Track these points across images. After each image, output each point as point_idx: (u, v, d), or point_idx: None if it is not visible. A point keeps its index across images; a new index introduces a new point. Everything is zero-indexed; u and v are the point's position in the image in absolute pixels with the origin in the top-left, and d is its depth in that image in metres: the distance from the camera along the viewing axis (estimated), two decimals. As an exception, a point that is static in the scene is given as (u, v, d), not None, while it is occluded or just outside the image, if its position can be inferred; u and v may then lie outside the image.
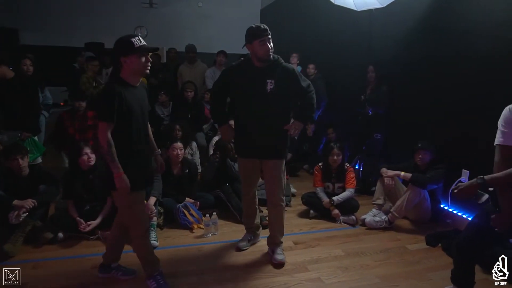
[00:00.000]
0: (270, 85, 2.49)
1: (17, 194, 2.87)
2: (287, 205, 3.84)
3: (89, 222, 2.97)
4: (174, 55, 6.51)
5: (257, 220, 2.97)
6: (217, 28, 8.60)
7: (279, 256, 2.69)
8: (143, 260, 2.29)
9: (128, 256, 2.52)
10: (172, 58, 6.52)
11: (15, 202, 2.77)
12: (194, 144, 4.52)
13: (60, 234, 2.95)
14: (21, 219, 2.76)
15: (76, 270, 2.57)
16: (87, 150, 3.09)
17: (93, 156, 3.11)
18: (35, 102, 3.62)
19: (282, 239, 2.79)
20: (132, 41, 2.06)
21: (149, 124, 2.31)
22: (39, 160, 3.60)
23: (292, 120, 2.66)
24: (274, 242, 2.77)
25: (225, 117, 2.73)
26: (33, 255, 2.75)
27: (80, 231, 2.96)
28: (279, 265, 2.65)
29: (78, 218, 2.97)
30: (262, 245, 2.94)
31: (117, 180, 2.01)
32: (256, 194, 2.94)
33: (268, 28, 2.47)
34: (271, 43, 2.46)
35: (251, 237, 2.96)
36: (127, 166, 2.05)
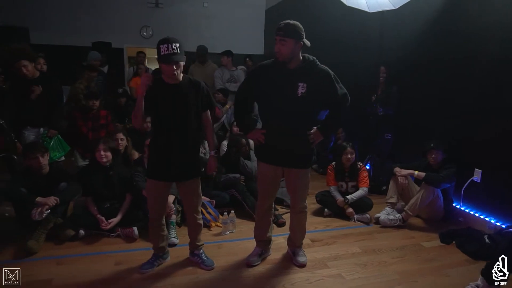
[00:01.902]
0: (301, 88, 2.32)
1: (36, 192, 2.89)
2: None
3: (109, 220, 3.01)
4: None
5: (269, 234, 2.78)
6: (222, 28, 8.64)
7: (301, 258, 2.69)
8: None
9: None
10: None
11: (39, 199, 2.80)
12: (206, 144, 4.56)
13: (82, 231, 2.99)
14: (44, 216, 2.79)
15: (99, 266, 2.60)
16: (101, 147, 3.13)
17: (106, 154, 3.14)
18: (60, 100, 3.65)
19: (303, 242, 2.79)
20: (160, 48, 2.16)
21: (209, 127, 2.51)
22: (63, 158, 3.63)
23: (314, 128, 2.47)
24: (295, 245, 2.76)
25: (251, 125, 2.67)
26: (56, 252, 2.79)
27: (100, 229, 3.00)
28: (301, 267, 2.66)
29: (99, 216, 3.01)
30: (280, 242, 2.99)
31: None
32: (272, 206, 2.80)
33: (286, 28, 2.26)
34: (285, 45, 2.26)
35: (262, 251, 2.76)
36: (150, 152, 2.43)
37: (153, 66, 9.26)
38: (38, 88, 3.33)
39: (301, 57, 2.37)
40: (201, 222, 2.64)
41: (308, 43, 2.32)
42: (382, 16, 4.26)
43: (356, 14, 4.24)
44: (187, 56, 7.03)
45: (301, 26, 2.31)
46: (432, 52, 3.86)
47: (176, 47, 2.17)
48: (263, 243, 2.76)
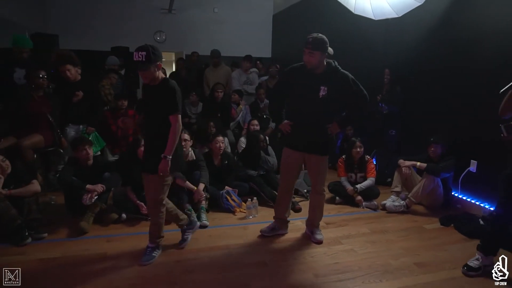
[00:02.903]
0: (323, 91, 2.72)
1: (83, 180, 3.29)
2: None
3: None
4: (196, 58, 6.98)
5: (286, 215, 3.15)
6: (232, 32, 9.05)
7: (318, 236, 3.09)
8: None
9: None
10: (194, 61, 6.98)
11: (88, 186, 3.21)
12: (226, 139, 4.96)
13: (124, 215, 3.39)
14: (93, 201, 3.20)
15: (143, 244, 2.96)
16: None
17: None
18: (99, 101, 4.05)
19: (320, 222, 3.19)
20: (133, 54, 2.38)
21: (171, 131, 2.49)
22: (98, 153, 4.03)
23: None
24: (313, 224, 3.16)
25: (282, 116, 3.02)
26: (104, 232, 3.19)
27: (139, 213, 3.40)
28: (318, 243, 3.06)
29: (138, 202, 3.40)
30: (299, 225, 3.39)
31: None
32: (292, 190, 3.15)
33: (314, 43, 2.65)
34: (313, 57, 2.66)
35: (276, 227, 3.16)
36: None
37: (167, 68, 9.68)
38: (80, 93, 3.74)
39: (325, 63, 2.79)
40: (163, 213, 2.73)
41: (331, 51, 2.76)
42: (387, 23, 4.65)
43: (362, 21, 4.63)
44: (201, 60, 7.46)
45: (326, 40, 2.71)
46: (432, 56, 4.26)
47: (142, 56, 2.32)
48: (279, 221, 3.18)
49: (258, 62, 7.78)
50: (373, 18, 4.34)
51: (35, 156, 3.61)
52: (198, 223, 3.16)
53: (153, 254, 2.72)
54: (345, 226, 3.44)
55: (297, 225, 3.41)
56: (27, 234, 2.93)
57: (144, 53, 2.32)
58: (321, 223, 3.42)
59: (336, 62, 2.87)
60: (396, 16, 4.17)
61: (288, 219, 3.23)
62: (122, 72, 6.39)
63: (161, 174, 2.51)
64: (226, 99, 5.48)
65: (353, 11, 4.39)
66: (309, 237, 3.15)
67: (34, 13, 6.76)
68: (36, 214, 3.07)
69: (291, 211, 3.66)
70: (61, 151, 3.82)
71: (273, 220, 3.22)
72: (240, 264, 2.70)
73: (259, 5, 9.32)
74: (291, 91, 2.88)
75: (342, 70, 2.83)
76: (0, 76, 3.92)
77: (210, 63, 6.35)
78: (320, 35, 2.73)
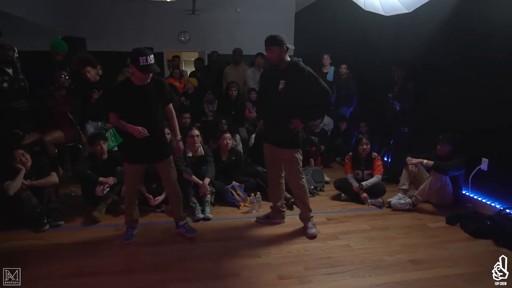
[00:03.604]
0: (281, 85, 2.93)
1: (98, 174, 3.54)
2: (320, 190, 4.34)
3: (156, 198, 3.61)
4: (216, 57, 7.15)
5: (280, 204, 3.35)
6: (254, 31, 9.11)
7: (310, 230, 3.16)
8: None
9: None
10: (214, 60, 7.16)
11: (101, 179, 3.46)
12: (237, 136, 5.10)
13: (134, 207, 3.61)
14: (104, 192, 3.44)
15: (150, 233, 3.19)
16: None
17: None
18: None
19: (311, 215, 3.25)
20: (139, 58, 2.54)
21: (173, 117, 2.96)
22: (116, 148, 4.29)
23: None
24: (303, 218, 3.26)
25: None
26: (114, 222, 3.42)
27: (148, 205, 3.61)
28: (311, 238, 3.12)
29: (147, 194, 3.61)
30: (295, 217, 3.42)
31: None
32: (281, 182, 3.31)
33: (270, 40, 2.87)
34: (273, 52, 2.87)
35: (271, 215, 3.41)
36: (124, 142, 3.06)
37: (190, 68, 9.97)
38: (97, 93, 4.02)
39: (288, 60, 2.97)
40: (180, 195, 3.09)
41: (292, 47, 2.96)
42: (398, 18, 4.58)
43: (377, 17, 4.55)
44: (222, 59, 7.61)
45: (281, 35, 2.91)
46: (444, 51, 4.16)
47: (152, 58, 2.59)
48: (274, 210, 3.39)
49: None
50: (383, 14, 4.30)
51: (56, 151, 3.91)
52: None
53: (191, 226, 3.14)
54: (346, 222, 3.46)
55: (297, 220, 3.45)
56: (45, 221, 3.21)
57: (152, 55, 2.60)
58: (323, 218, 3.49)
59: (299, 59, 3.02)
60: (407, 11, 4.10)
61: (282, 209, 3.40)
62: None
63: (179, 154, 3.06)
64: (240, 98, 5.59)
65: (363, 8, 4.37)
66: (304, 232, 3.23)
67: (64, 17, 7.22)
68: (54, 204, 3.35)
69: (295, 207, 3.77)
70: (80, 146, 4.11)
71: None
72: (234, 255, 2.82)
73: (281, 4, 9.34)
74: (261, 88, 3.20)
75: (301, 65, 2.97)
76: (39, 77, 4.26)
77: (231, 61, 6.51)
78: (276, 33, 2.93)
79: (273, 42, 2.89)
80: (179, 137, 3.02)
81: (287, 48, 2.93)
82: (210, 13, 9.12)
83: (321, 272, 2.58)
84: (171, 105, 2.96)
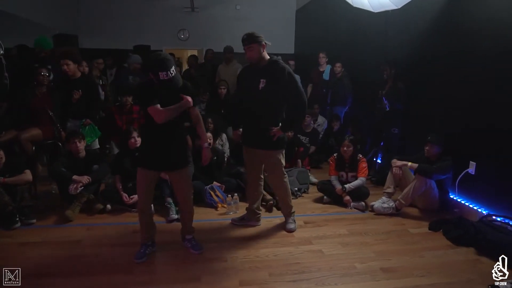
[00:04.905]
0: (262, 83, 2.85)
1: (75, 172, 3.49)
2: (304, 191, 4.22)
3: (131, 196, 3.55)
4: (211, 55, 7.07)
5: (255, 206, 3.25)
6: (254, 29, 8.86)
7: (288, 226, 3.20)
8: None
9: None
10: (209, 58, 7.08)
11: (75, 177, 3.41)
12: (224, 136, 5.01)
13: (109, 206, 3.57)
14: (78, 191, 3.40)
15: (120, 233, 3.14)
16: (135, 134, 3.70)
17: (139, 140, 3.69)
18: (97, 97, 4.27)
19: (293, 210, 3.27)
20: (158, 74, 2.31)
21: (199, 122, 2.70)
22: (97, 145, 4.25)
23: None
24: (285, 214, 3.27)
25: (237, 122, 3.18)
26: (87, 221, 3.38)
27: (124, 204, 3.56)
28: (289, 232, 3.16)
29: (122, 193, 3.56)
30: (276, 223, 3.35)
31: None
32: (259, 183, 3.22)
33: (249, 38, 2.80)
34: (253, 50, 2.80)
35: (246, 217, 3.30)
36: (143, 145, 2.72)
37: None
38: (78, 92, 3.93)
39: (267, 58, 2.89)
40: (192, 211, 2.84)
41: (269, 43, 2.86)
42: (387, 16, 4.43)
43: (368, 15, 4.39)
44: (216, 56, 7.52)
45: (258, 33, 2.84)
46: (433, 50, 4.00)
47: (173, 71, 2.33)
48: (249, 211, 3.30)
49: (279, 57, 7.72)
50: (371, 10, 4.15)
51: (33, 148, 3.89)
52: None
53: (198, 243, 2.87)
54: (323, 226, 3.34)
55: (275, 223, 3.37)
56: (17, 219, 3.19)
57: (173, 67, 2.34)
58: (300, 222, 3.40)
59: (279, 57, 2.95)
60: (395, 7, 3.94)
61: (258, 211, 3.31)
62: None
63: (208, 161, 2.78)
64: (230, 96, 5.50)
65: (352, 4, 4.23)
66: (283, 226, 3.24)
67: (58, 14, 7.22)
68: (27, 202, 3.33)
69: (274, 209, 3.68)
70: (60, 144, 4.08)
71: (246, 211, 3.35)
72: (201, 259, 2.74)
73: (281, 1, 9.23)
74: (241, 88, 3.08)
75: (282, 63, 2.91)
76: (24, 73, 4.25)
77: (223, 59, 6.42)
78: (252, 30, 2.87)
79: (252, 39, 2.82)
80: (206, 144, 2.74)
81: (265, 44, 2.87)
82: (210, 10, 9.07)
83: (285, 279, 2.48)
84: (196, 110, 2.70)
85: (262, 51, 2.85)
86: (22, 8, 5.51)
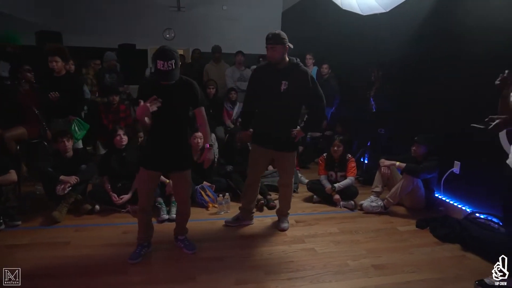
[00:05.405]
0: (284, 85, 2.82)
1: (62, 172, 3.41)
2: (294, 191, 4.24)
3: (121, 196, 3.50)
4: (198, 55, 7.03)
5: (251, 206, 3.28)
6: (241, 29, 9.04)
7: (282, 224, 3.24)
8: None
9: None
10: (196, 58, 7.04)
11: (62, 177, 3.33)
12: (213, 136, 4.99)
13: (97, 206, 3.50)
14: (66, 192, 3.32)
15: (109, 234, 3.07)
16: (120, 132, 3.64)
17: (125, 138, 3.65)
18: (82, 96, 4.15)
19: (288, 212, 3.32)
20: (157, 62, 2.29)
21: (203, 123, 2.61)
22: (81, 145, 4.14)
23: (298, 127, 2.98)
24: (281, 214, 3.29)
25: (250, 124, 3.11)
26: (75, 222, 3.30)
27: (113, 204, 3.50)
28: (282, 230, 3.20)
29: (111, 193, 3.50)
30: (267, 222, 3.37)
31: None
32: (258, 184, 3.24)
33: (274, 37, 2.72)
34: (276, 51, 2.74)
35: (241, 217, 3.29)
36: (147, 146, 2.62)
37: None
38: (54, 94, 3.79)
39: (287, 59, 2.86)
40: (189, 213, 2.80)
41: (291, 46, 2.82)
42: (376, 18, 4.51)
43: (356, 17, 4.47)
44: (203, 56, 7.42)
45: (284, 34, 2.79)
46: (421, 52, 4.10)
47: (172, 64, 2.27)
48: (244, 211, 3.30)
49: (261, 59, 7.75)
50: (360, 13, 4.24)
51: (18, 147, 3.77)
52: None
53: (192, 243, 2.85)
54: (315, 225, 3.38)
55: (266, 222, 3.39)
56: (1, 221, 3.08)
57: (173, 61, 2.27)
58: (291, 221, 3.42)
59: (298, 59, 2.94)
60: (384, 11, 4.04)
61: (252, 210, 3.34)
62: (118, 68, 6.50)
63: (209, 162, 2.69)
64: (219, 96, 5.49)
65: (340, 7, 4.30)
66: (277, 226, 3.26)
67: (42, 10, 7.03)
68: (12, 202, 3.21)
69: (265, 208, 3.70)
70: (45, 143, 3.97)
71: (239, 211, 3.33)
72: (195, 258, 2.73)
73: (268, 2, 9.27)
74: (259, 89, 2.96)
75: (303, 67, 2.92)
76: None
77: (211, 59, 6.40)
78: (278, 30, 2.82)
79: (277, 40, 2.75)
80: (208, 145, 2.67)
81: (289, 47, 2.81)
82: (196, 10, 9.00)
83: (281, 277, 2.50)
84: (202, 110, 2.60)
85: (284, 53, 2.82)
86: (3, 3, 5.33)
